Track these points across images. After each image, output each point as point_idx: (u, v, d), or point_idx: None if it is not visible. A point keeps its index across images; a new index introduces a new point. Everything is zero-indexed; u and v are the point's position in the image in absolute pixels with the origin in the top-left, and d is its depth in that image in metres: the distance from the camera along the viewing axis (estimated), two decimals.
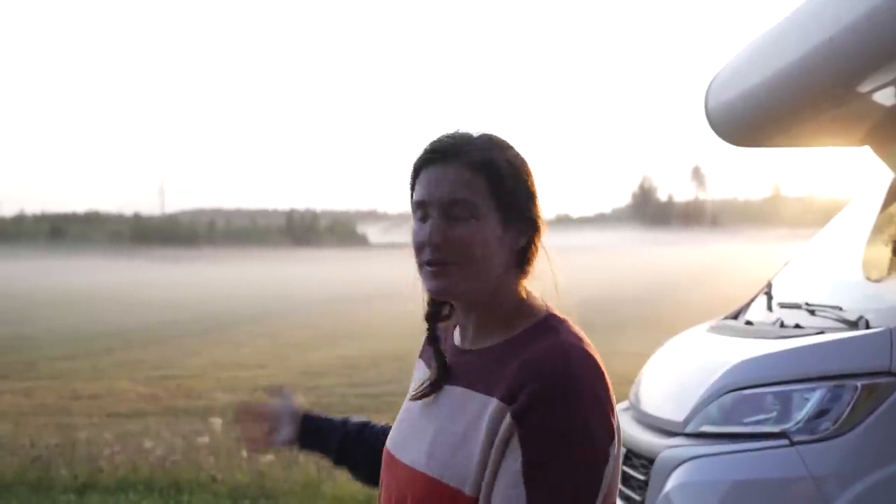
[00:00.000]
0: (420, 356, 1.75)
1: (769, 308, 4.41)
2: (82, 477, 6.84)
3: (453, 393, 1.54)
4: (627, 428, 4.18)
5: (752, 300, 4.77)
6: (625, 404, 4.66)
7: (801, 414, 3.37)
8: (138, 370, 14.99)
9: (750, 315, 4.56)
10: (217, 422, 8.70)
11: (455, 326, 1.64)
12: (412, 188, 1.57)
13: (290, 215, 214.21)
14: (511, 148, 1.57)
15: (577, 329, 1.53)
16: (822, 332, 3.67)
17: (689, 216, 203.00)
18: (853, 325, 3.63)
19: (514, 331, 1.52)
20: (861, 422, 3.28)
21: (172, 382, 13.55)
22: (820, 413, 3.34)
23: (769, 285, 4.65)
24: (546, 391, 1.38)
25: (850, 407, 3.30)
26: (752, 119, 4.30)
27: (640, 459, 3.86)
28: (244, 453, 7.24)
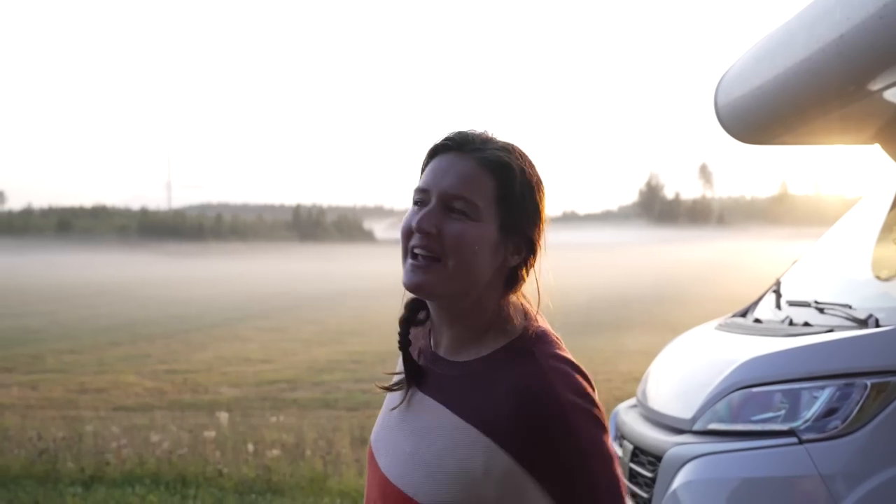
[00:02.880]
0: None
1: (778, 306, 4.40)
2: (89, 470, 6.86)
3: (426, 405, 1.49)
4: (635, 425, 4.17)
5: (761, 298, 4.76)
6: (632, 401, 4.65)
7: (810, 412, 3.36)
8: (145, 364, 15.02)
9: (758, 313, 4.55)
10: (223, 416, 8.72)
11: (429, 329, 1.57)
12: (420, 175, 1.51)
13: (297, 211, 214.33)
14: (532, 164, 1.50)
15: (554, 340, 1.47)
16: (831, 331, 3.66)
17: (696, 214, 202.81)
18: (863, 323, 3.61)
19: (489, 347, 1.46)
20: (870, 420, 3.27)
21: (179, 377, 13.58)
22: (829, 411, 3.33)
23: (778, 283, 4.64)
24: (548, 431, 1.35)
25: (859, 405, 3.29)
26: (761, 116, 4.30)
27: (648, 457, 3.86)
28: (250, 448, 7.25)
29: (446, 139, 1.48)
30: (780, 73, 3.91)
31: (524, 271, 1.49)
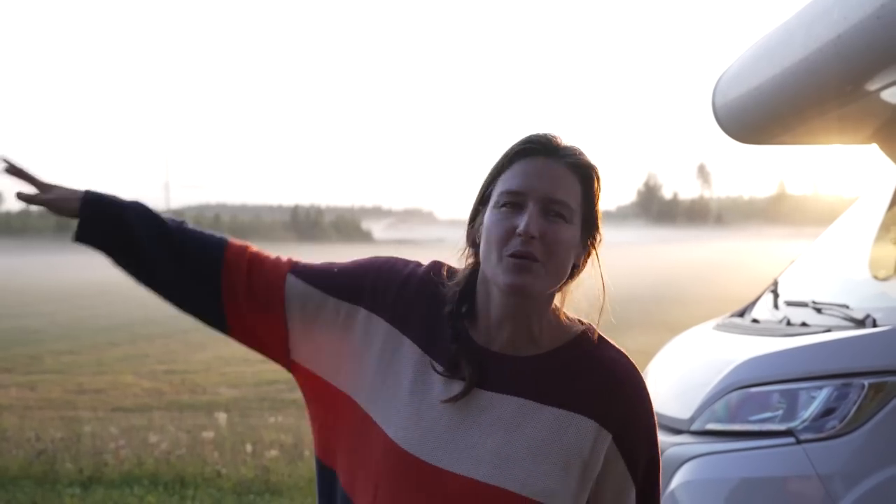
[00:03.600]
0: (409, 337, 1.57)
1: (775, 306, 4.40)
2: (87, 471, 6.85)
3: (496, 401, 1.49)
4: None
5: (759, 298, 4.77)
6: None
7: (808, 412, 3.37)
8: (143, 364, 15.01)
9: (756, 313, 4.55)
10: (222, 417, 8.71)
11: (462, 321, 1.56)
12: (496, 174, 1.52)
13: (295, 211, 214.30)
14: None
15: None
16: (828, 331, 3.67)
17: (694, 214, 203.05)
18: (860, 323, 3.62)
19: (558, 340, 1.54)
20: (868, 420, 3.28)
21: (177, 377, 13.57)
22: (826, 411, 3.34)
23: (775, 283, 4.65)
24: (639, 407, 1.53)
25: (856, 405, 3.30)
26: (759, 116, 4.30)
27: None
28: (249, 448, 7.25)
29: (533, 143, 1.51)
30: (778, 73, 3.92)
31: (583, 264, 1.57)
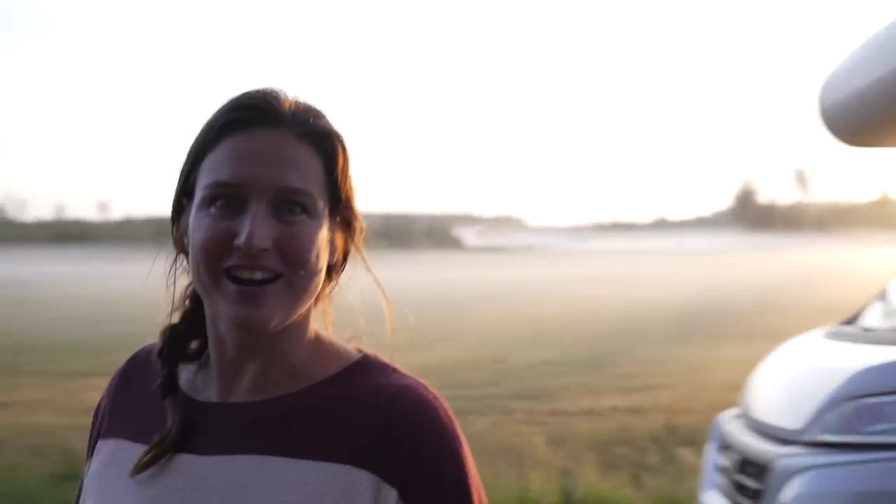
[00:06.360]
0: (115, 436, 1.19)
1: (887, 313, 4.28)
2: None
3: (239, 464, 1.08)
4: (739, 435, 4.10)
5: (867, 306, 4.64)
6: (735, 411, 4.57)
7: None
8: None
9: (867, 320, 4.43)
10: None
11: (195, 372, 1.19)
12: (199, 155, 1.09)
13: (387, 218, 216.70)
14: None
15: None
16: None
17: (792, 220, 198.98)
18: None
19: (320, 374, 1.12)
20: None
21: None
22: None
23: (884, 290, 4.51)
24: (441, 458, 1.07)
25: None
26: (868, 118, 4.19)
27: (753, 467, 3.78)
28: None
29: (247, 108, 1.08)
30: (888, 72, 3.81)
31: (339, 262, 1.16)
